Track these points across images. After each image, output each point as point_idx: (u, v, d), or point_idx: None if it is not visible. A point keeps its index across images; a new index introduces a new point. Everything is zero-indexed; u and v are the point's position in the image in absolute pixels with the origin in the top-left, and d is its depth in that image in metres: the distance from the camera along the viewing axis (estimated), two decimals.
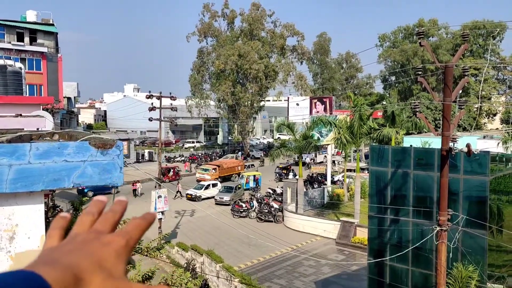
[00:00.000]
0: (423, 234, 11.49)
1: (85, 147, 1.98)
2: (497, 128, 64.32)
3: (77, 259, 0.63)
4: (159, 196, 27.05)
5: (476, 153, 8.72)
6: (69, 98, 67.26)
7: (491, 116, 73.82)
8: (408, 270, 12.43)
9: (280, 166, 49.79)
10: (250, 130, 69.80)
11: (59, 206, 13.12)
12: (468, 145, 8.34)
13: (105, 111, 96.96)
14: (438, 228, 9.23)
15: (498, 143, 26.88)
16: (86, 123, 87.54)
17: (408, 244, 12.17)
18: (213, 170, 44.58)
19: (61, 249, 0.66)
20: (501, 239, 12.59)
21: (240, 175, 45.82)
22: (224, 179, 44.79)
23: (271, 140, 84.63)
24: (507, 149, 22.06)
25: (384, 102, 70.59)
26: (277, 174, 47.80)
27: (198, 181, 43.25)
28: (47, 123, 8.76)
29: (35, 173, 1.95)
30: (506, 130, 30.35)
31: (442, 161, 9.13)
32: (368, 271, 13.57)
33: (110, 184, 2.06)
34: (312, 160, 57.15)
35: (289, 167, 49.84)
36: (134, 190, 38.38)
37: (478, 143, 34.72)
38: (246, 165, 51.71)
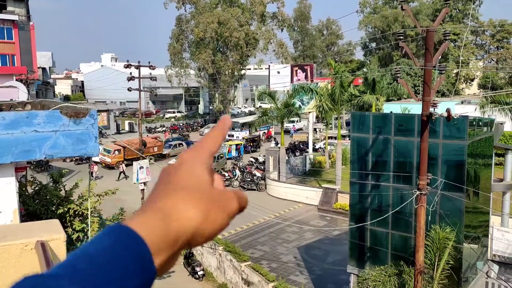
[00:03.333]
0: (403, 199, 11.74)
1: (56, 116, 1.87)
2: (474, 93, 65.33)
3: (164, 196, 0.63)
4: (141, 167, 26.86)
5: (455, 117, 8.82)
6: (44, 69, 65.30)
7: (469, 81, 74.78)
8: (388, 234, 12.75)
9: (245, 137, 48.46)
10: (232, 99, 69.27)
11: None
12: (448, 110, 8.40)
13: (82, 81, 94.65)
14: (417, 192, 9.41)
15: (476, 108, 27.31)
16: (63, 94, 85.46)
17: (388, 209, 12.43)
18: (116, 152, 37.96)
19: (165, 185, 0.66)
20: (477, 201, 12.96)
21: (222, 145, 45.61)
22: (122, 163, 37.05)
23: (252, 109, 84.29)
24: (484, 114, 22.47)
25: (364, 69, 70.71)
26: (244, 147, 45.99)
27: (99, 163, 37.74)
28: (21, 94, 8.48)
29: (3, 144, 1.83)
30: (483, 95, 30.84)
31: (422, 126, 9.21)
32: (350, 236, 13.89)
33: (85, 155, 1.97)
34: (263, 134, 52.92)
35: (256, 138, 48.50)
36: (92, 173, 35.43)
37: (456, 108, 35.25)
38: (171, 145, 44.59)
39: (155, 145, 40.91)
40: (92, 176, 34.14)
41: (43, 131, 1.85)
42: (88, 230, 11.43)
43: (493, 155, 15.41)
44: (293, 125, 55.05)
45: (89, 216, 5.78)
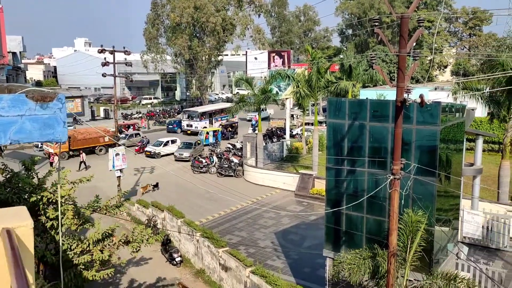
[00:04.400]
0: (378, 183, 11.95)
1: (21, 100, 1.81)
2: (447, 80, 66.67)
3: None
4: (117, 154, 26.54)
5: (428, 103, 8.98)
6: (14, 53, 63.28)
7: (442, 68, 76.20)
8: (363, 218, 13.00)
9: (223, 124, 47.83)
10: (209, 85, 68.70)
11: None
12: (421, 96, 8.55)
13: (55, 67, 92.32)
14: (391, 177, 9.59)
15: (448, 94, 27.89)
16: (34, 79, 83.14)
17: (363, 193, 12.64)
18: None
19: None
20: (448, 185, 13.31)
21: (199, 132, 45.32)
22: (82, 152, 35.36)
23: (230, 95, 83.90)
24: (456, 100, 22.98)
25: (341, 56, 71.08)
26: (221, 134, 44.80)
27: (45, 154, 35.82)
28: None
29: None
30: (456, 81, 31.51)
31: (396, 112, 9.35)
32: (326, 220, 14.07)
33: (53, 141, 1.92)
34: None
35: (234, 124, 47.80)
36: (51, 163, 33.23)
37: (430, 95, 35.94)
38: (127, 135, 42.34)
39: (106, 134, 38.17)
40: (52, 167, 31.99)
41: (8, 115, 1.79)
42: (62, 218, 11.27)
43: (464, 140, 15.80)
44: (255, 115, 51.80)
45: (59, 204, 5.67)
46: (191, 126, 48.33)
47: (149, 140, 42.26)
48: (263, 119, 53.57)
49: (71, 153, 36.86)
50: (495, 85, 21.99)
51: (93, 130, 39.79)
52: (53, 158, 33.87)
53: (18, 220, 1.68)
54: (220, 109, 53.31)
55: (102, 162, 33.88)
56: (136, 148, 38.37)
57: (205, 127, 47.42)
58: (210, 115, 50.41)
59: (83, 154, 34.87)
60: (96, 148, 38.87)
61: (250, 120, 53.28)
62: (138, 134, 44.30)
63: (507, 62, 21.20)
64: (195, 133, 46.34)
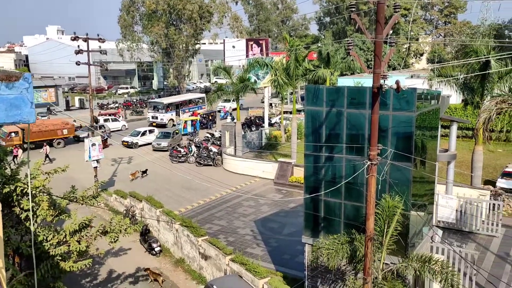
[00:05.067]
0: (355, 169, 12.08)
1: None
2: (423, 68, 67.69)
3: None
4: (93, 144, 26.11)
5: (404, 89, 9.08)
6: None
7: (419, 56, 77.24)
8: (341, 204, 13.14)
9: (201, 113, 47.19)
10: (186, 74, 68.00)
11: None
12: (397, 82, 8.64)
13: (26, 55, 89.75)
14: (368, 163, 9.70)
15: (424, 81, 28.33)
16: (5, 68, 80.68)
17: (341, 180, 12.77)
18: (12, 134, 34.41)
19: None
20: (423, 171, 13.58)
21: (177, 122, 44.82)
22: (38, 145, 35.15)
23: (208, 84, 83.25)
24: (431, 87, 23.38)
25: (319, 44, 71.20)
26: (200, 123, 44.10)
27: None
28: None
29: None
30: (431, 67, 32.03)
31: (373, 98, 9.43)
32: (305, 207, 14.17)
33: (20, 122, 1.84)
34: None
35: (212, 113, 47.08)
36: (15, 157, 31.43)
37: (406, 82, 36.42)
38: (102, 125, 41.11)
39: (65, 127, 38.05)
40: (16, 160, 30.16)
41: None
42: (37, 209, 11.03)
43: (439, 126, 16.09)
44: (224, 107, 51.37)
45: (30, 195, 5.54)
46: (156, 118, 46.12)
47: (110, 134, 40.62)
48: (234, 108, 53.11)
49: (25, 146, 35.02)
50: (469, 71, 22.44)
51: (50, 122, 38.66)
52: (17, 151, 32.33)
53: None
54: (188, 99, 51.18)
55: (79, 153, 33.28)
56: None
57: (171, 119, 46.16)
58: (177, 106, 48.05)
59: (47, 146, 33.30)
60: (54, 141, 37.35)
61: (219, 111, 52.25)
62: (103, 126, 42.19)
63: (480, 49, 21.63)
64: (161, 126, 44.61)
